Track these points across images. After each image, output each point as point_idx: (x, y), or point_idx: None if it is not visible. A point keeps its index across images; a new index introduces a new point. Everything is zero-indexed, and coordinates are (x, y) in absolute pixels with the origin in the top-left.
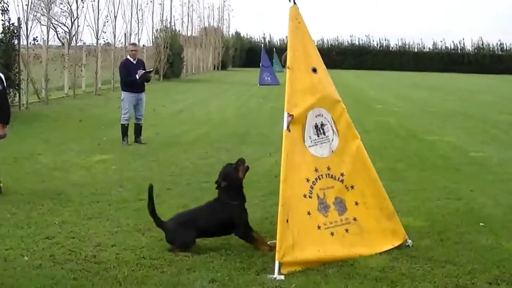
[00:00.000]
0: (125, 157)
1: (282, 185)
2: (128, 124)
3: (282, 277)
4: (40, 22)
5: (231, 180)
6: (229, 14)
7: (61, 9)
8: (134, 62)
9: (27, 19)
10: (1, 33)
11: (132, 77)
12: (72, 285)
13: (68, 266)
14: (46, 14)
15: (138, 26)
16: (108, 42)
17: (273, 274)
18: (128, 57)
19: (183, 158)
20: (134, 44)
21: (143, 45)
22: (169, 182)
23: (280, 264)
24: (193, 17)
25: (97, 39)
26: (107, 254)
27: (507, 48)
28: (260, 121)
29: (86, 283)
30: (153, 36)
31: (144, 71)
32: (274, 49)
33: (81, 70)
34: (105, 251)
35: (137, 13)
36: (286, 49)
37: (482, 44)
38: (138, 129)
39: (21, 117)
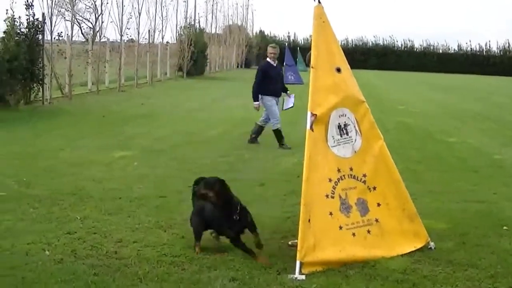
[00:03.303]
0: (146, 154)
1: (305, 184)
2: (265, 125)
3: (303, 277)
4: (64, 17)
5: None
6: (252, 13)
7: (86, 5)
8: (274, 64)
9: (51, 15)
10: (26, 28)
11: (272, 81)
12: (93, 280)
13: (89, 261)
14: (70, 10)
15: (162, 23)
16: (132, 39)
17: (294, 274)
18: (268, 59)
19: (203, 156)
20: (274, 47)
21: (167, 42)
22: (189, 179)
23: (301, 264)
24: (217, 15)
25: (121, 35)
26: (128, 251)
27: None
28: (281, 120)
29: (107, 278)
30: (177, 33)
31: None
32: (298, 48)
33: (105, 66)
34: (126, 247)
35: (161, 10)
36: (310, 48)
37: (509, 46)
38: (260, 131)
39: (44, 112)
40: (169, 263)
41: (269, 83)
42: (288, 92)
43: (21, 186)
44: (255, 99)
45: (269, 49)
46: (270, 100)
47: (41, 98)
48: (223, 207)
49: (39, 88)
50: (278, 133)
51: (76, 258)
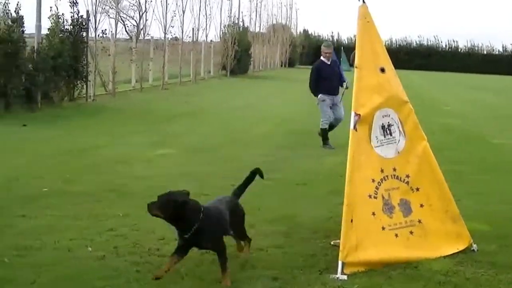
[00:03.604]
0: (188, 151)
1: (348, 184)
2: (328, 127)
3: (345, 277)
4: (108, 15)
5: None
6: (296, 12)
7: (130, 2)
8: (328, 63)
9: (95, 12)
10: (70, 25)
11: (326, 80)
12: (135, 277)
13: (131, 258)
14: (114, 7)
15: (206, 21)
16: (175, 37)
17: (336, 274)
18: (322, 58)
19: (246, 155)
20: (328, 46)
21: (211, 41)
22: (231, 177)
23: (343, 264)
24: (261, 14)
25: (165, 33)
26: (170, 248)
27: None
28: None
29: (149, 275)
30: (221, 32)
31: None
32: (342, 47)
33: (149, 64)
34: (168, 245)
35: (205, 8)
36: (354, 48)
37: None
38: (331, 127)
39: (88, 109)
40: (210, 261)
41: (323, 82)
42: (343, 84)
43: (63, 183)
44: (316, 95)
45: (323, 48)
46: (324, 99)
47: (84, 95)
48: (175, 222)
49: (83, 85)
50: (324, 133)
51: (118, 255)
